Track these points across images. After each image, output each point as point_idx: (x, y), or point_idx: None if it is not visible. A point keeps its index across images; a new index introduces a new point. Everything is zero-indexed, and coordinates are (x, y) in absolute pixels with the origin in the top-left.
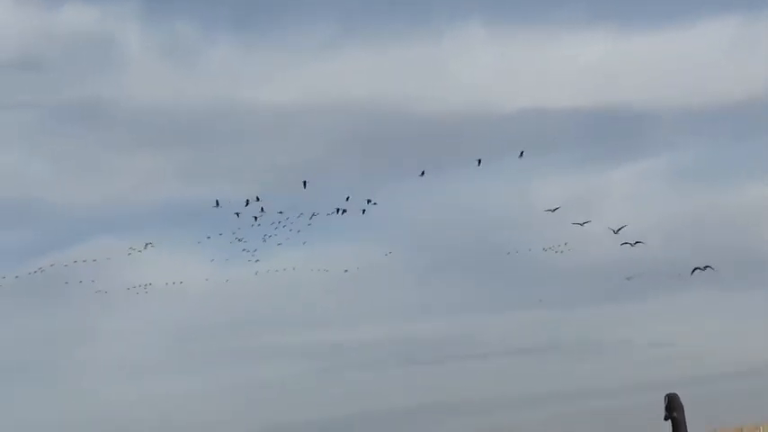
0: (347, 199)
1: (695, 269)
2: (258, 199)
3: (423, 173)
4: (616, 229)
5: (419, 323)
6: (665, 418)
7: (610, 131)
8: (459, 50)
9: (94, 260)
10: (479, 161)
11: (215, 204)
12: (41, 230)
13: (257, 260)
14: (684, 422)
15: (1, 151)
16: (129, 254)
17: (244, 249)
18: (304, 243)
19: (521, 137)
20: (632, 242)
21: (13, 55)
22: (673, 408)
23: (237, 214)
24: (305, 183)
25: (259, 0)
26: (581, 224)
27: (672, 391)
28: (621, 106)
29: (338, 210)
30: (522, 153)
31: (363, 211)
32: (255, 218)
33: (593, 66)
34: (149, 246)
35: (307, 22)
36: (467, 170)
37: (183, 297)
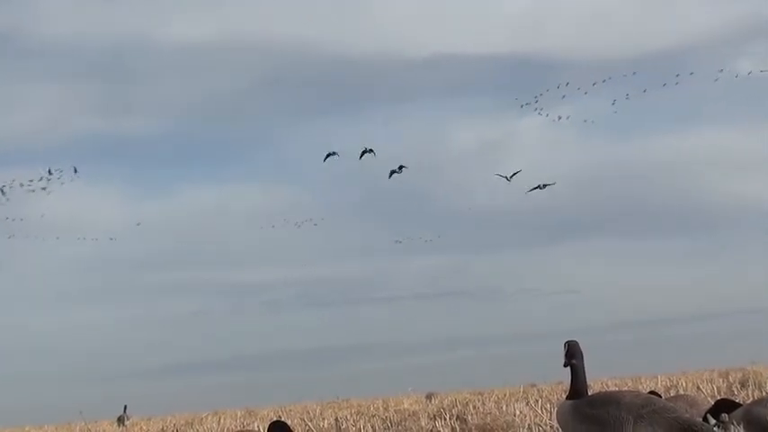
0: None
1: (392, 172)
2: None
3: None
4: (509, 176)
5: (323, 265)
6: (565, 365)
7: (523, 79)
8: None
9: (4, 193)
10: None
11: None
12: None
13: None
14: (583, 369)
15: None
16: (44, 188)
17: (151, 186)
18: (217, 182)
19: (434, 81)
20: (542, 185)
21: None
22: (572, 354)
23: None
24: None
25: None
26: (508, 178)
27: (572, 339)
28: (537, 55)
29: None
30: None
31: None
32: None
33: (515, 14)
34: (56, 174)
35: None
36: (378, 113)
37: (96, 232)
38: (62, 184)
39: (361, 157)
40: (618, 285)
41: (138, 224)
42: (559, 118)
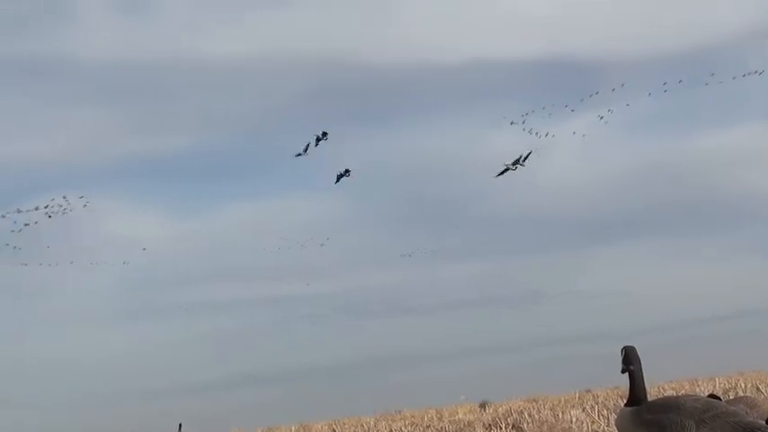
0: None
1: (339, 177)
2: None
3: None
4: (512, 162)
5: (366, 275)
6: (623, 371)
7: (557, 82)
8: (408, 1)
9: (48, 215)
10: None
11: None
12: None
13: (210, 214)
14: (641, 374)
15: None
16: (85, 206)
17: (198, 203)
18: (256, 195)
19: (467, 87)
20: (512, 164)
21: None
22: (629, 360)
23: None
24: None
25: None
26: (512, 167)
27: (629, 344)
28: (569, 57)
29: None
30: None
31: (317, 139)
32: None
33: (542, 16)
34: (86, 199)
35: None
36: (412, 121)
37: (139, 251)
38: (84, 205)
39: (337, 181)
40: (669, 285)
41: (177, 241)
42: (601, 118)
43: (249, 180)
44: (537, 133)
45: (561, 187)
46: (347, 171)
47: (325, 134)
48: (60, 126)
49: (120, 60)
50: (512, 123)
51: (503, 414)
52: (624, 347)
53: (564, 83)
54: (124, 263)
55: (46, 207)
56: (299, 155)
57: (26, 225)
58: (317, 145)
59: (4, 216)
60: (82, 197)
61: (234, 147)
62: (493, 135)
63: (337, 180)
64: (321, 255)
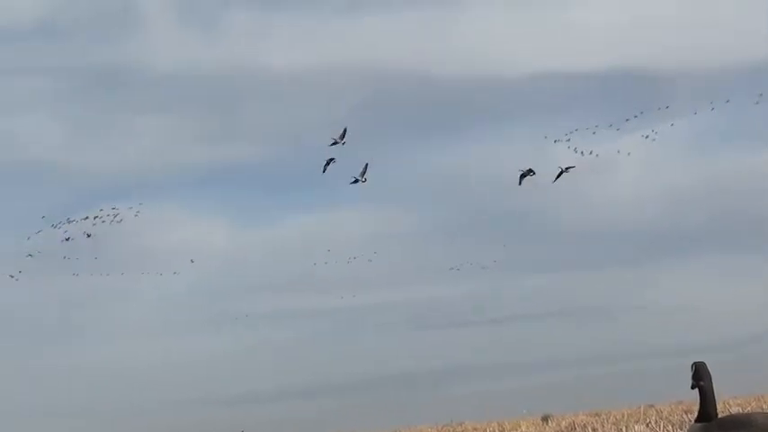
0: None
1: (522, 176)
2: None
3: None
4: (527, 172)
5: (431, 286)
6: (693, 387)
7: (624, 94)
8: (471, 12)
9: (118, 221)
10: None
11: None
12: (62, 194)
13: (271, 224)
14: (712, 391)
15: (20, 116)
16: (136, 215)
17: (259, 213)
18: (318, 206)
19: (534, 100)
20: (565, 168)
21: (30, 20)
22: (700, 376)
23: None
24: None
25: None
26: (530, 174)
27: (699, 360)
28: (637, 69)
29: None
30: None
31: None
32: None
33: (608, 27)
34: (135, 210)
35: None
36: (481, 133)
37: (202, 260)
38: (136, 215)
39: (324, 170)
40: (735, 300)
41: (243, 251)
42: (672, 126)
43: (312, 191)
44: (582, 152)
45: (626, 201)
46: (530, 171)
47: (332, 159)
48: (127, 135)
49: (185, 70)
50: (555, 141)
51: (565, 428)
52: (694, 363)
53: (628, 94)
54: (174, 273)
55: (95, 217)
56: (328, 164)
57: (67, 239)
58: (324, 171)
59: (54, 226)
60: (131, 208)
61: (295, 158)
62: (553, 148)
63: (520, 181)
64: (383, 266)
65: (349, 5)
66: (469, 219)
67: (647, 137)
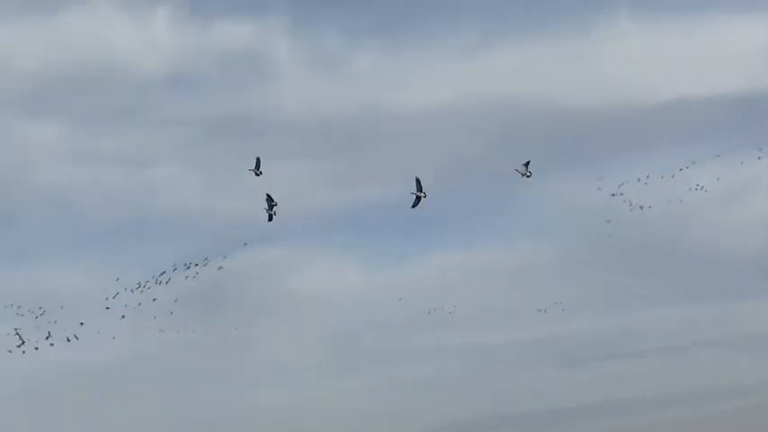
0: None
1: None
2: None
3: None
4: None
5: (573, 321)
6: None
7: (761, 118)
8: (606, 42)
9: (254, 267)
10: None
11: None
12: (198, 242)
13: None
14: None
15: (158, 166)
16: (219, 268)
17: (392, 253)
18: (454, 241)
19: (672, 126)
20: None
21: (167, 72)
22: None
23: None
24: None
25: (403, 4)
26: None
27: None
28: None
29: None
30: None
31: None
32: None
33: (746, 51)
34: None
35: (451, 23)
36: (619, 161)
37: (337, 301)
38: (219, 268)
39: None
40: None
41: (377, 292)
42: None
43: (445, 229)
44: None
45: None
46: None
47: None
48: (262, 181)
49: (314, 115)
50: (613, 195)
51: None
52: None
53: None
54: (314, 315)
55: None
56: (418, 201)
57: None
58: (269, 220)
59: (188, 275)
60: (225, 257)
61: (431, 197)
62: (690, 174)
63: (414, 205)
64: (531, 298)
65: (477, 41)
66: (610, 251)
67: None
